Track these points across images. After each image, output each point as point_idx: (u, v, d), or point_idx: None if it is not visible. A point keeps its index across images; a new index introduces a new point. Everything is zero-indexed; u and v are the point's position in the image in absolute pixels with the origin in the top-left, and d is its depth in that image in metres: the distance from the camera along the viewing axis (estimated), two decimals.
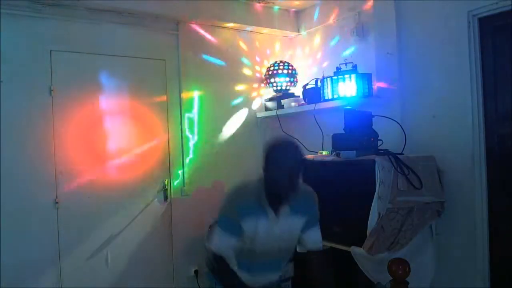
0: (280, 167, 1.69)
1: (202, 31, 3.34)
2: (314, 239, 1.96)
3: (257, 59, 3.63)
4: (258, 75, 3.62)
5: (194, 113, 3.30)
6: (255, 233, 1.81)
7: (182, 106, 3.23)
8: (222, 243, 1.83)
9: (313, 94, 3.10)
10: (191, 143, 3.29)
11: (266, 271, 1.95)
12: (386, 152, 2.28)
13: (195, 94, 3.31)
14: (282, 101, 3.39)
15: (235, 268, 1.88)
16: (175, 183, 3.20)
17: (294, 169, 1.71)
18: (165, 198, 3.16)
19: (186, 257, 3.21)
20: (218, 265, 1.85)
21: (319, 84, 3.05)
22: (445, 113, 2.56)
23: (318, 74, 3.31)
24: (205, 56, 3.35)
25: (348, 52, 3.19)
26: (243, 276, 1.90)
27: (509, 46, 2.29)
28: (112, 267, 2.89)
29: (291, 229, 1.88)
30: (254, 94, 3.62)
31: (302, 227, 1.90)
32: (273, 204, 1.79)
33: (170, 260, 3.16)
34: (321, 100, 2.95)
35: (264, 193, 1.78)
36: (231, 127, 3.48)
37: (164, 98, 3.18)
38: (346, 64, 2.86)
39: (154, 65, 3.14)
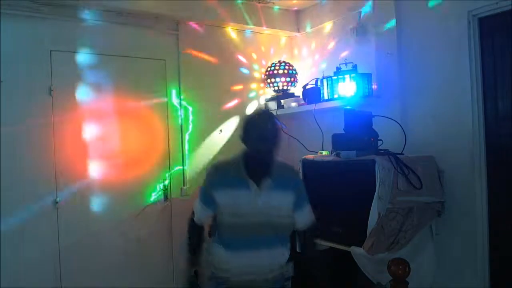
0: (260, 136, 1.75)
1: (202, 31, 3.34)
2: (305, 220, 1.96)
3: (257, 59, 3.63)
4: (258, 75, 3.62)
5: (194, 113, 3.30)
6: (236, 204, 1.82)
7: (182, 106, 3.23)
8: (201, 214, 1.94)
9: (313, 94, 3.10)
10: (191, 143, 3.29)
11: (252, 249, 1.85)
12: (386, 152, 2.28)
13: (195, 94, 3.31)
14: (282, 101, 3.39)
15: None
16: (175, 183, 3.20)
17: (273, 138, 1.77)
18: (165, 198, 3.16)
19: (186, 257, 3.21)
20: (194, 232, 2.00)
21: (319, 84, 3.05)
22: (445, 113, 2.56)
23: (318, 74, 3.31)
24: (205, 56, 3.35)
25: (348, 52, 3.19)
26: (223, 255, 1.88)
27: (509, 46, 2.29)
28: (112, 267, 2.89)
29: (278, 204, 1.84)
30: (254, 94, 3.62)
31: (293, 206, 1.89)
32: (254, 176, 1.81)
33: (170, 260, 3.16)
34: (321, 100, 2.95)
35: (244, 166, 1.82)
36: (231, 127, 3.48)
37: (164, 98, 3.18)
38: (346, 64, 2.86)
39: (154, 65, 3.14)
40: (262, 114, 1.86)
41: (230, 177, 1.84)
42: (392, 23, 2.80)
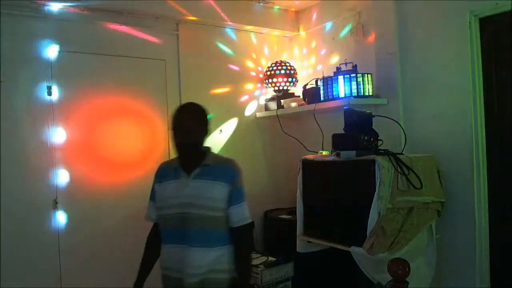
0: (178, 128, 1.81)
1: (202, 31, 3.34)
2: (237, 217, 1.85)
3: (257, 59, 3.63)
4: (257, 75, 3.62)
5: None
6: (165, 194, 1.87)
7: None
8: (149, 210, 2.00)
9: (313, 94, 3.10)
10: None
11: (180, 244, 1.80)
12: (386, 152, 2.28)
13: (195, 94, 3.30)
14: (282, 101, 3.39)
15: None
16: None
17: (190, 131, 1.80)
18: None
19: None
20: (147, 244, 2.04)
21: (319, 84, 3.05)
22: (445, 113, 2.56)
23: (318, 74, 3.31)
24: (205, 56, 3.35)
25: (348, 52, 3.19)
26: (162, 251, 1.90)
27: (510, 46, 2.29)
28: (112, 267, 2.89)
29: (208, 194, 1.80)
30: (254, 94, 3.62)
31: (227, 199, 1.82)
32: (184, 165, 1.86)
33: None
34: (321, 100, 2.95)
35: (178, 156, 1.89)
36: (230, 127, 3.48)
37: (164, 98, 3.18)
38: (346, 64, 2.86)
39: (154, 65, 3.14)
40: (183, 107, 1.91)
41: (167, 169, 1.93)
42: (392, 23, 2.80)
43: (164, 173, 1.94)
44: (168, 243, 1.87)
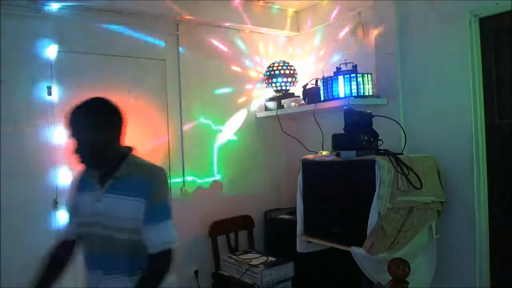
0: (70, 130, 1.49)
1: (202, 31, 3.34)
2: (154, 240, 1.46)
3: (257, 59, 3.63)
4: (257, 75, 3.62)
5: (194, 113, 3.30)
6: (80, 206, 1.57)
7: (181, 106, 3.23)
8: (65, 226, 1.68)
9: (313, 94, 3.10)
10: (191, 143, 3.29)
11: (92, 269, 1.54)
12: (386, 152, 2.28)
13: (195, 94, 3.31)
14: (282, 101, 3.39)
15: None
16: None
17: (78, 131, 1.47)
18: None
19: (186, 257, 3.21)
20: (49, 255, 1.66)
21: (319, 84, 3.05)
22: (445, 113, 2.56)
23: (318, 74, 3.31)
24: (205, 56, 3.35)
25: (348, 52, 3.19)
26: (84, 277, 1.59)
27: (510, 46, 2.29)
28: None
29: (116, 211, 1.47)
30: (254, 94, 3.62)
31: (143, 217, 1.46)
32: (100, 175, 1.54)
33: None
34: (321, 100, 2.95)
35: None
36: (230, 127, 3.48)
37: (164, 98, 3.17)
38: (346, 64, 2.86)
39: (154, 65, 3.14)
40: (74, 108, 1.51)
41: (84, 179, 1.61)
42: (392, 23, 2.80)
43: (79, 183, 1.63)
44: (86, 267, 1.58)
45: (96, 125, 1.47)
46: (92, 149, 1.47)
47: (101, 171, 1.54)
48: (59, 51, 2.76)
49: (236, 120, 3.51)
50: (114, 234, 1.47)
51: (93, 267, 1.54)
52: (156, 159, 3.11)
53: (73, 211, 1.63)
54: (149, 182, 1.51)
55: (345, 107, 2.45)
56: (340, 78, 2.81)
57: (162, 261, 1.48)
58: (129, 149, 1.61)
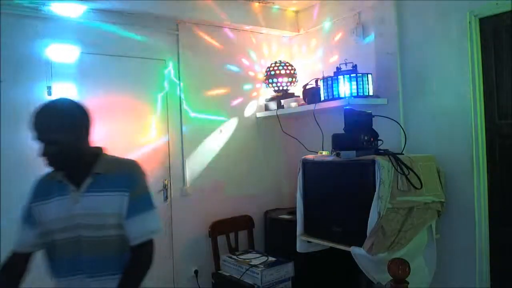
0: (37, 132, 1.42)
1: (202, 31, 3.34)
2: (138, 232, 1.47)
3: (257, 59, 3.63)
4: (257, 75, 3.62)
5: (194, 113, 3.30)
6: (47, 213, 1.48)
7: (182, 106, 3.24)
8: (21, 236, 1.55)
9: (313, 94, 3.10)
10: (191, 143, 3.29)
11: (70, 276, 1.47)
12: (386, 152, 2.28)
13: (195, 94, 3.31)
14: (282, 101, 3.39)
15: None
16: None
17: (55, 130, 1.41)
18: (165, 198, 3.17)
19: (186, 257, 3.22)
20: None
21: (319, 84, 3.05)
22: (445, 113, 2.56)
23: (318, 74, 3.31)
24: (204, 56, 3.35)
25: (348, 52, 3.19)
26: (54, 285, 1.52)
27: (510, 46, 2.29)
28: None
29: (103, 210, 1.45)
30: (254, 94, 3.62)
31: (126, 211, 1.47)
32: (75, 176, 1.49)
33: (170, 260, 3.16)
34: (321, 100, 2.95)
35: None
36: (231, 127, 3.48)
37: (164, 98, 3.18)
38: (346, 64, 2.86)
39: (154, 65, 3.14)
40: (39, 109, 1.45)
41: (48, 184, 1.53)
42: (392, 23, 2.80)
43: (43, 189, 1.54)
44: (60, 276, 1.50)
45: (64, 125, 1.43)
46: (61, 150, 1.42)
47: (74, 172, 1.49)
48: (59, 51, 2.75)
49: (236, 120, 3.51)
50: (102, 233, 1.46)
51: (71, 273, 1.47)
52: (156, 159, 3.13)
53: (31, 222, 1.53)
54: (131, 175, 1.52)
55: (345, 107, 2.45)
56: (340, 78, 2.81)
57: (146, 251, 1.49)
58: (100, 148, 1.60)
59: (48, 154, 1.43)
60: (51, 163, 1.46)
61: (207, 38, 3.37)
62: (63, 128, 1.42)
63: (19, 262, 1.54)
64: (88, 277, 1.46)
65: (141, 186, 1.53)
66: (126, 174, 1.52)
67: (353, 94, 2.77)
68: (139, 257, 1.49)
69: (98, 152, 1.56)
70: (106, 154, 1.58)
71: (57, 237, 1.48)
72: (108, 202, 1.46)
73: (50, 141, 1.42)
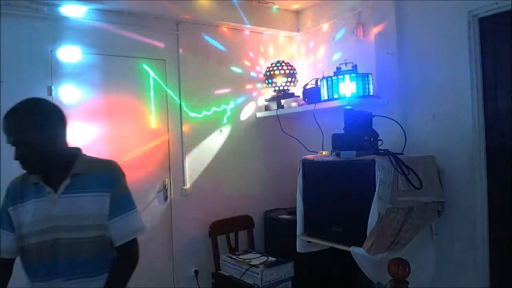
0: (8, 134, 1.40)
1: (201, 31, 3.34)
2: (122, 232, 1.48)
3: (257, 59, 3.63)
4: (257, 75, 3.62)
5: (194, 113, 3.30)
6: (23, 217, 1.45)
7: (182, 106, 3.24)
8: (2, 242, 1.49)
9: (313, 94, 3.10)
10: (191, 143, 3.29)
11: (46, 280, 1.44)
12: (386, 152, 2.28)
13: (195, 94, 3.31)
14: (282, 101, 3.39)
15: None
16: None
17: (23, 136, 1.38)
18: (165, 198, 3.17)
19: (186, 257, 3.22)
20: None
21: (319, 84, 3.05)
22: (445, 113, 2.56)
23: (318, 74, 3.31)
24: (204, 56, 3.35)
25: (348, 52, 3.19)
26: None
27: (510, 46, 2.29)
28: None
29: (83, 211, 1.43)
30: (254, 94, 3.62)
31: (108, 212, 1.46)
32: (48, 179, 1.46)
33: (170, 260, 3.16)
34: (321, 100, 2.95)
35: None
36: (231, 127, 3.48)
37: (164, 98, 3.18)
38: (346, 64, 2.86)
39: (154, 65, 3.14)
40: (10, 111, 1.41)
41: (23, 187, 1.50)
42: (392, 23, 2.80)
43: (18, 192, 1.49)
44: (35, 280, 1.47)
45: (35, 125, 1.40)
46: (35, 151, 1.40)
47: (51, 173, 1.46)
48: (59, 51, 2.76)
49: (236, 120, 3.51)
50: (80, 234, 1.44)
51: (48, 276, 1.45)
52: (156, 159, 3.13)
53: (10, 227, 1.48)
54: (111, 175, 1.51)
55: (345, 107, 2.45)
56: (341, 78, 2.81)
57: (132, 251, 1.52)
58: (78, 149, 1.58)
59: (22, 156, 1.41)
60: (26, 166, 1.44)
61: (207, 38, 3.37)
62: (34, 128, 1.39)
63: (1, 268, 1.51)
64: (66, 279, 1.44)
65: (122, 186, 1.52)
66: (106, 174, 1.50)
67: (353, 94, 2.77)
68: (125, 256, 1.51)
69: (75, 152, 1.54)
70: (84, 155, 1.56)
71: (33, 240, 1.45)
72: (88, 203, 1.45)
73: (22, 142, 1.39)
